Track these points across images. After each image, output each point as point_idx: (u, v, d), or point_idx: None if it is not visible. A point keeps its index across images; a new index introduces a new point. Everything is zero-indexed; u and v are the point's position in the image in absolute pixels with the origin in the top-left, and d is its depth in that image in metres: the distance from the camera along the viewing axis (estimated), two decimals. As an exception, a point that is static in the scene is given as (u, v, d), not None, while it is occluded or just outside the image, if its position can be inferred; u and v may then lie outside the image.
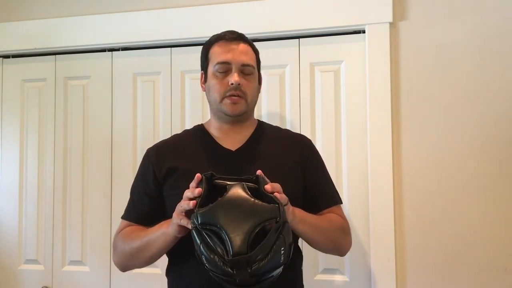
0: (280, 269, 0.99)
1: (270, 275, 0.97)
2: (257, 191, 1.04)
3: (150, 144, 1.42)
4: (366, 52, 1.75)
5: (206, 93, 1.33)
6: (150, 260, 1.24)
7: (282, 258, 0.97)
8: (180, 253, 1.22)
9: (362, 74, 1.77)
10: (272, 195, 1.02)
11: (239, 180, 1.06)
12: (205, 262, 0.97)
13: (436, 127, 1.69)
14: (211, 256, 0.96)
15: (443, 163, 1.68)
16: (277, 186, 1.06)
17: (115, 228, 1.92)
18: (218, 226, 0.96)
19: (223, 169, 1.14)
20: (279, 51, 1.85)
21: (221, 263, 0.95)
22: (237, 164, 1.24)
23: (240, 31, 1.33)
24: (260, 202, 1.00)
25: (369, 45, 1.74)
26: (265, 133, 1.36)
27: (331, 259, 1.75)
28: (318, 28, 1.79)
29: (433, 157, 1.68)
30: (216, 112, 1.31)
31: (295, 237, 1.30)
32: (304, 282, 1.35)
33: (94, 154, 1.99)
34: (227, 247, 0.95)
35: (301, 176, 1.30)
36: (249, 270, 0.93)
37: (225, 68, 1.25)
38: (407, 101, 1.72)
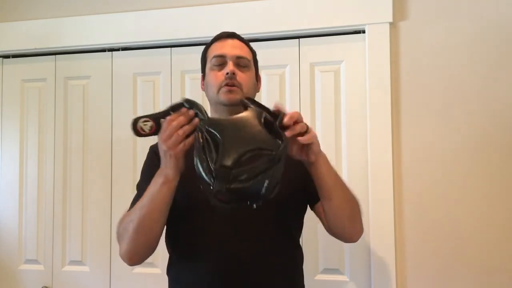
0: (258, 202, 0.98)
1: (246, 202, 0.97)
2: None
3: (150, 144, 1.42)
4: (366, 52, 1.75)
5: (205, 91, 1.34)
6: (159, 224, 1.16)
7: (263, 190, 0.95)
8: (181, 251, 1.22)
9: (362, 74, 1.77)
10: (284, 134, 1.02)
11: (264, 109, 1.06)
12: (197, 163, 0.98)
13: (436, 127, 1.69)
14: (200, 160, 0.97)
15: (443, 162, 1.68)
16: (295, 114, 1.06)
17: (115, 228, 1.93)
18: (218, 136, 0.98)
19: None
20: (279, 51, 1.85)
21: (207, 170, 0.95)
22: None
23: (240, 31, 1.34)
24: (265, 132, 1.00)
25: (369, 45, 1.74)
26: None
27: (331, 259, 1.75)
28: (318, 28, 1.79)
29: (433, 157, 1.68)
30: (215, 105, 1.31)
31: (298, 232, 1.31)
32: (304, 282, 1.34)
33: (94, 154, 1.99)
34: (218, 158, 0.95)
35: (303, 170, 1.30)
36: (228, 186, 0.93)
37: (221, 61, 1.27)
38: (407, 101, 1.72)
